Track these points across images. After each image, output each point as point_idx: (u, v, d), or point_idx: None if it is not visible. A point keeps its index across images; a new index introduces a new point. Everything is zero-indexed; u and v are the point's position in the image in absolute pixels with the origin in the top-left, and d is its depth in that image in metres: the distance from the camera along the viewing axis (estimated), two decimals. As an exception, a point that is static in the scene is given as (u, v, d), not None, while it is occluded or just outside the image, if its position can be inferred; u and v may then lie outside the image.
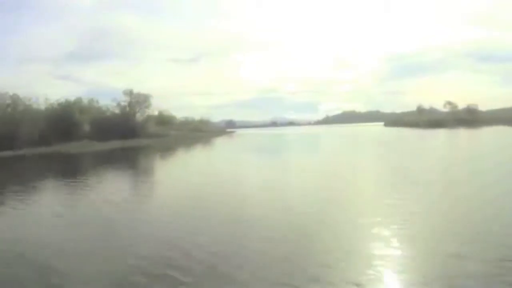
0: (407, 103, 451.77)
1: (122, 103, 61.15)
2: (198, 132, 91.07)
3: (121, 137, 52.01)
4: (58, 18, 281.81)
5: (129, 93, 60.90)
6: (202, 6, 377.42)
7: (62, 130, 45.93)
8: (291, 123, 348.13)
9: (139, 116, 62.57)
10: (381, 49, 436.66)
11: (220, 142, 60.43)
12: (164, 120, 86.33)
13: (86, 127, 52.37)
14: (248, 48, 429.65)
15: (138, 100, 61.51)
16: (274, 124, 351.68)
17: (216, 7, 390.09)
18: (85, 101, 56.80)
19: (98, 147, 41.18)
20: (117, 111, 61.41)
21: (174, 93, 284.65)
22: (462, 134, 52.06)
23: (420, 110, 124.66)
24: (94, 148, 40.27)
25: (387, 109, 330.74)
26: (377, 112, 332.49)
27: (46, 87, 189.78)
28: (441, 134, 53.23)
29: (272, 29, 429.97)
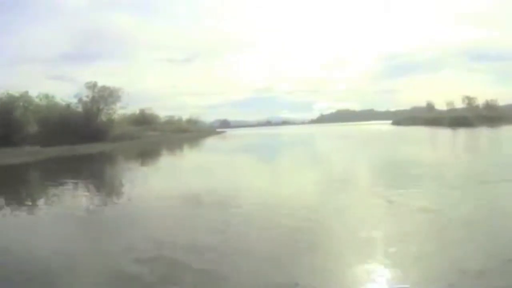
0: (401, 102, 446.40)
1: (84, 99, 49.58)
2: (183, 133, 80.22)
3: (81, 141, 41.22)
4: (52, 18, 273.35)
5: (92, 86, 49.20)
6: (196, 6, 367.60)
7: (-3, 132, 34.97)
8: (285, 122, 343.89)
9: (106, 115, 51.12)
10: (375, 48, 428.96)
11: (206, 145, 49.74)
12: (144, 120, 75.32)
13: (33, 129, 41.14)
14: (242, 48, 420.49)
15: (103, 95, 49.74)
16: (268, 123, 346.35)
17: (210, 7, 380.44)
18: (33, 95, 45.24)
19: (22, 157, 29.87)
20: (80, 108, 50.08)
21: (168, 93, 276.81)
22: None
23: (430, 107, 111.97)
24: (10, 161, 27.81)
25: (381, 107, 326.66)
26: (372, 110, 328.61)
27: (40, 87, 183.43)
28: (494, 134, 42.35)
29: (266, 29, 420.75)
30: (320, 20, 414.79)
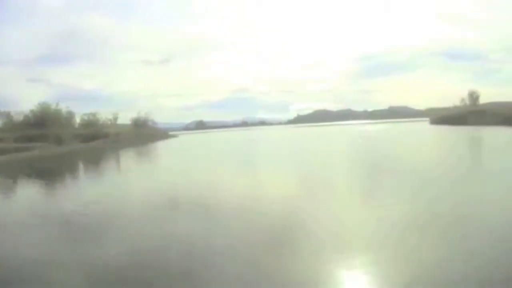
0: (378, 102, 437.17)
1: None
2: (95, 141, 59.18)
3: None
4: (28, 19, 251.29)
5: None
6: (173, 7, 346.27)
7: None
8: (262, 123, 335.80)
9: None
10: (352, 49, 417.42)
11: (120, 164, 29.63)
12: (43, 121, 54.15)
13: None
14: (219, 49, 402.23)
15: None
16: (245, 124, 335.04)
17: (187, 8, 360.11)
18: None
19: None
20: None
21: (145, 95, 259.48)
22: None
23: (474, 99, 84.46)
24: None
25: (358, 107, 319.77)
26: (349, 110, 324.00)
27: (16, 90, 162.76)
28: None
29: (243, 30, 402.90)
30: (297, 21, 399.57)
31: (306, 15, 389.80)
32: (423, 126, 73.14)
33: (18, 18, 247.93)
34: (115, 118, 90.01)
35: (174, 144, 61.90)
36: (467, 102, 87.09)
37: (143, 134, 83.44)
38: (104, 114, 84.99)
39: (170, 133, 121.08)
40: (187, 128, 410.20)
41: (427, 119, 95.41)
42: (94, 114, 69.99)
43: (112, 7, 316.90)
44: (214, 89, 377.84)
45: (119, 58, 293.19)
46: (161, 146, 56.38)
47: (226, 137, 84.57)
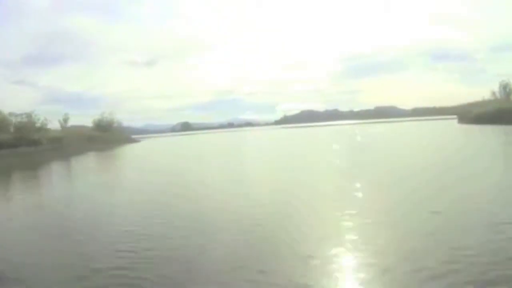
0: (364, 102, 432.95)
1: None
2: (36, 146, 49.33)
3: None
4: (13, 20, 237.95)
5: None
6: (159, 8, 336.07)
7: None
8: (248, 124, 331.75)
9: None
10: (338, 49, 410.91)
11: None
12: None
13: None
14: (205, 50, 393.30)
15: None
16: (231, 125, 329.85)
17: (173, 9, 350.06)
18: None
19: None
20: None
21: (131, 96, 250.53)
22: None
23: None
24: None
25: (344, 107, 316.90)
26: (335, 111, 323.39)
27: (1, 92, 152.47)
28: None
29: (229, 31, 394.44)
30: (283, 21, 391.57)
31: (292, 15, 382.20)
32: (453, 126, 60.83)
33: (2, 19, 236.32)
34: (65, 120, 79.71)
35: (151, 147, 51.87)
36: (498, 95, 72.03)
37: (96, 139, 73.06)
38: (55, 115, 75.09)
39: (137, 136, 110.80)
40: (173, 130, 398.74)
41: (455, 117, 79.66)
42: (29, 115, 58.86)
43: (98, 8, 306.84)
44: (200, 91, 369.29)
45: (105, 59, 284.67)
46: (144, 148, 47.09)
47: (204, 141, 74.40)
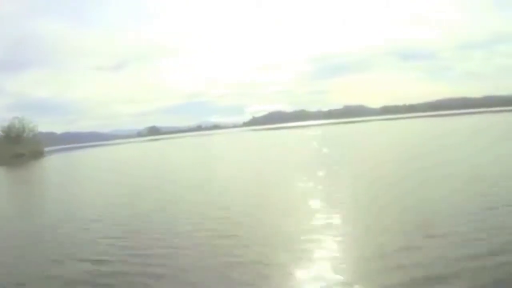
0: (332, 102, 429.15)
1: None
2: None
3: None
4: None
5: None
6: (126, 12, 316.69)
7: None
8: (217, 127, 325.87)
9: None
10: (306, 50, 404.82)
11: None
12: None
13: None
14: (173, 53, 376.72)
15: None
16: (199, 128, 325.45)
17: (139, 12, 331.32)
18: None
19: None
20: None
21: (99, 101, 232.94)
22: None
23: None
24: None
25: (313, 108, 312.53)
26: (303, 111, 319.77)
27: None
28: None
29: (197, 33, 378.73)
30: (251, 24, 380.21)
31: (261, 18, 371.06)
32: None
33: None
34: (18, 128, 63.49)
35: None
36: None
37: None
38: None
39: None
40: (140, 134, 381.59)
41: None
42: None
43: (65, 13, 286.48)
44: (169, 94, 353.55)
45: (73, 64, 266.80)
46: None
47: (150, 151, 60.35)
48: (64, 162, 53.04)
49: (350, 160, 21.18)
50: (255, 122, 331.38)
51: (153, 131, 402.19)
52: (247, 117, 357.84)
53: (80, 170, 35.90)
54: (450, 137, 31.10)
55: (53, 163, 50.85)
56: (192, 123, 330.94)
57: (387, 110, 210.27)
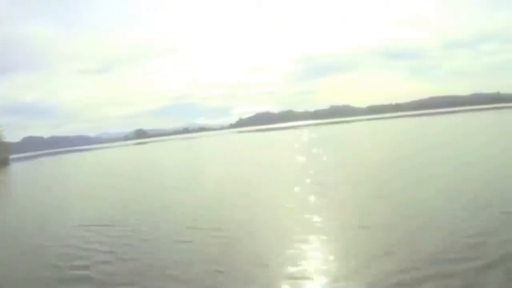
0: (319, 102, 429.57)
1: None
2: None
3: None
4: None
5: None
6: (112, 15, 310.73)
7: None
8: (203, 129, 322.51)
9: None
10: (292, 51, 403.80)
11: None
12: None
13: None
14: (159, 56, 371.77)
15: None
16: (186, 131, 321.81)
17: (126, 15, 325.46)
18: None
19: None
20: None
21: (85, 105, 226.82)
22: None
23: None
24: None
25: (299, 108, 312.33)
26: (290, 112, 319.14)
27: None
28: None
29: (183, 35, 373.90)
30: (238, 26, 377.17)
31: (247, 19, 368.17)
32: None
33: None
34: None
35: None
36: None
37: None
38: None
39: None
40: (127, 137, 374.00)
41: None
42: None
43: (50, 17, 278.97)
44: (155, 97, 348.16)
45: (58, 67, 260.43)
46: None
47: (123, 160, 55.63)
48: (23, 175, 45.49)
49: (338, 162, 20.71)
50: (242, 123, 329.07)
51: (140, 134, 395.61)
52: (234, 119, 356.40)
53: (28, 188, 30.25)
54: (438, 137, 31.75)
55: (6, 178, 42.68)
56: (179, 125, 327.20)
57: (373, 110, 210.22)
